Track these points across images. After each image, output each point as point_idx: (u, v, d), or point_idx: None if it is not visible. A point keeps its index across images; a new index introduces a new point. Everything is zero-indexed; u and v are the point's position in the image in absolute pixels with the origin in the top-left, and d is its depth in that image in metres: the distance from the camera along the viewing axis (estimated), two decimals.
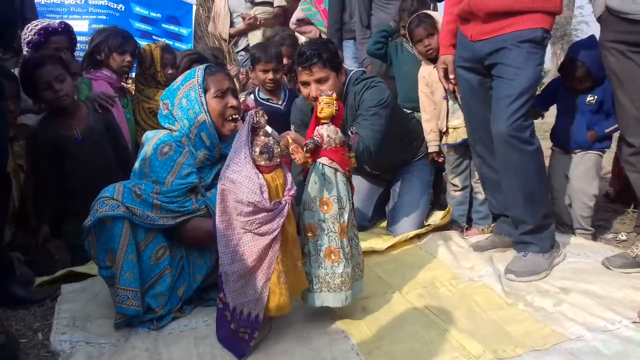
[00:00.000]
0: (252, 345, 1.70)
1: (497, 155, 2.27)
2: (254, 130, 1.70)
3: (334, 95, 1.85)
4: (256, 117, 1.68)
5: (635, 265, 2.14)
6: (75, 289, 2.21)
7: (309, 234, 1.79)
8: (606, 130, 2.59)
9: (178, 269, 2.00)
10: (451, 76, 2.54)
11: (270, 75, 3.27)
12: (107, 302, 2.02)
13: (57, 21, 3.17)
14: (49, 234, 2.61)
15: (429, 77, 2.84)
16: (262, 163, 1.69)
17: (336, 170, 1.81)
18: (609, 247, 2.49)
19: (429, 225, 2.79)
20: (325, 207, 1.79)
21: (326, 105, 1.80)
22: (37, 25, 3.03)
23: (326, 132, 1.80)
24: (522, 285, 2.12)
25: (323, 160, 1.80)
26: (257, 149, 1.68)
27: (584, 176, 2.63)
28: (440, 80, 2.63)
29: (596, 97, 2.58)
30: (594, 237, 2.67)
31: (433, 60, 2.81)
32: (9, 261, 2.16)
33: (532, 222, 2.25)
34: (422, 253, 2.42)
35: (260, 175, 1.66)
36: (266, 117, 1.71)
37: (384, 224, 2.96)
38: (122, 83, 3.34)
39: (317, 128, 1.83)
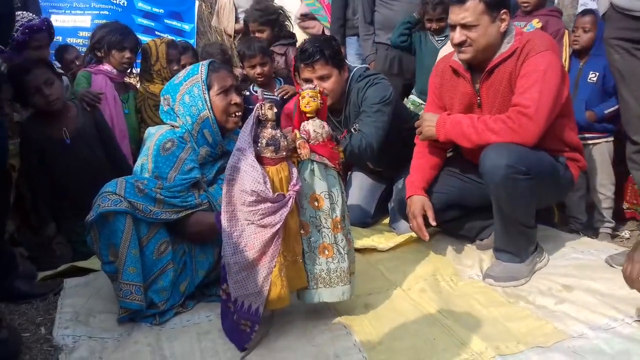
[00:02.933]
0: (254, 338, 1.70)
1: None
2: (262, 123, 1.70)
3: (317, 88, 1.82)
4: (261, 110, 1.67)
5: None
6: (78, 283, 2.22)
7: (302, 232, 1.77)
8: (606, 112, 2.57)
9: (180, 264, 2.00)
10: (430, 216, 2.23)
11: (257, 70, 3.28)
12: (109, 297, 2.03)
13: (38, 18, 3.05)
14: (55, 231, 2.62)
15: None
16: (268, 155, 1.68)
17: (325, 165, 1.78)
18: (613, 245, 2.48)
19: None
20: (317, 203, 1.77)
21: (311, 99, 1.76)
22: (17, 21, 2.83)
23: (312, 127, 1.77)
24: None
25: (312, 156, 1.76)
26: (264, 141, 1.67)
27: (599, 169, 2.64)
28: (419, 231, 2.24)
29: (597, 73, 2.55)
30: (613, 230, 2.68)
31: None
32: (12, 256, 2.17)
33: (513, 245, 2.14)
34: (424, 249, 2.41)
35: (261, 166, 1.65)
36: (275, 110, 1.70)
37: (386, 221, 2.96)
38: (125, 78, 3.32)
39: (302, 124, 1.78)
